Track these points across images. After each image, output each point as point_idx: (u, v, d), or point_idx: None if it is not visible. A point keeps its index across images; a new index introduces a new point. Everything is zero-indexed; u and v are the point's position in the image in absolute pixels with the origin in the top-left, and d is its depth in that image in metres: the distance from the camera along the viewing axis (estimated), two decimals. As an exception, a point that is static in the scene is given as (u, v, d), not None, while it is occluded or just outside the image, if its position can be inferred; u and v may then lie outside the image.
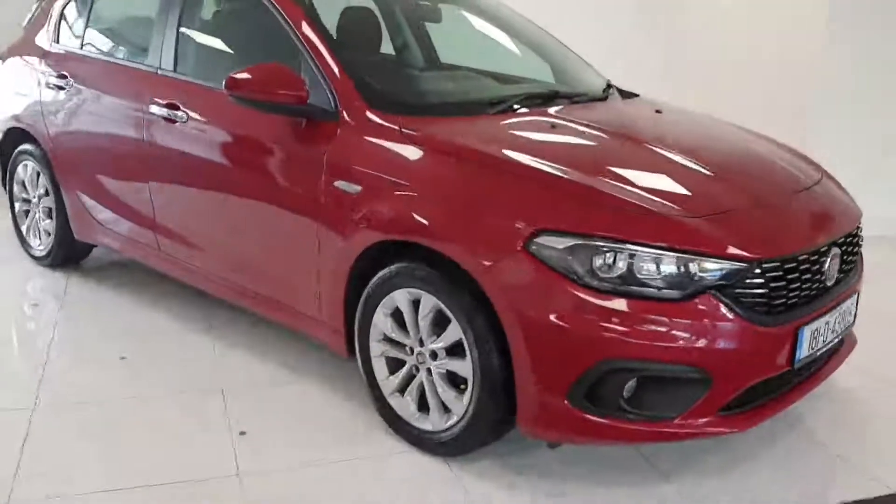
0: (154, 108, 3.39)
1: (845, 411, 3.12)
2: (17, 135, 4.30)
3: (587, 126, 2.95)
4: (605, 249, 2.30)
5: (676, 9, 6.27)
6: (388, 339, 2.74)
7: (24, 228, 4.45)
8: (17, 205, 4.47)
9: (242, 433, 2.81)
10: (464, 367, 2.53)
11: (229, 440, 2.77)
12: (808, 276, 2.52)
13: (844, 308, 2.72)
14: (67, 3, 4.17)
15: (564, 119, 2.99)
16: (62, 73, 3.95)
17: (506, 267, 2.36)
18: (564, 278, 2.31)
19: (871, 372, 3.35)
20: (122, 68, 3.72)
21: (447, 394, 2.61)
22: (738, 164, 2.90)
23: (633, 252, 2.30)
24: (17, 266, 4.39)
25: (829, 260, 2.60)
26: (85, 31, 4.03)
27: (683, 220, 2.38)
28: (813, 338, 2.54)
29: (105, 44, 4.01)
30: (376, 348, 2.77)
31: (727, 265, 2.33)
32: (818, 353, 2.62)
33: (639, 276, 2.30)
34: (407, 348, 2.70)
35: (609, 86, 3.59)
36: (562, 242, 2.31)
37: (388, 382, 2.77)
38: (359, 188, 2.70)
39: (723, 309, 2.32)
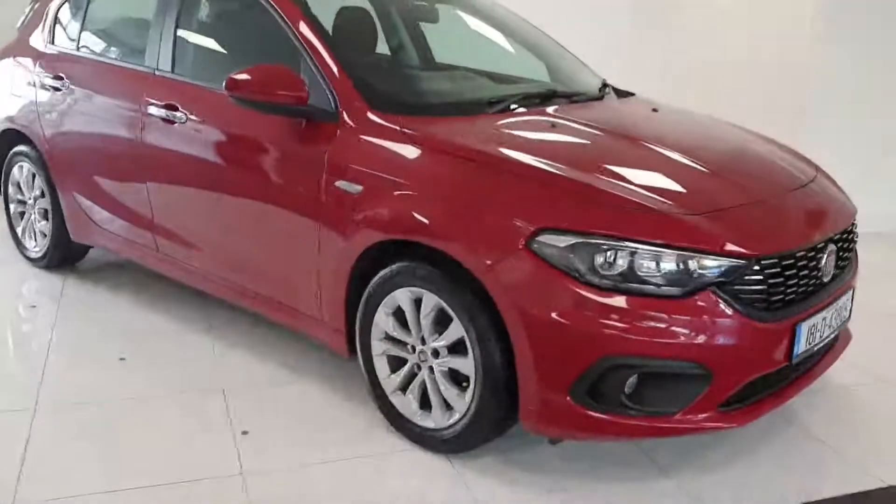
0: (152, 109, 3.39)
1: (841, 407, 3.15)
2: (12, 136, 4.28)
3: (586, 125, 2.97)
4: (606, 247, 2.32)
5: (674, 8, 6.29)
6: (390, 338, 2.76)
7: (19, 230, 4.43)
8: (11, 206, 4.46)
9: (245, 433, 2.82)
10: (466, 365, 2.55)
11: (231, 440, 2.78)
12: (806, 272, 2.56)
13: (840, 304, 2.76)
14: (62, 5, 4.17)
15: (563, 118, 3.02)
16: (58, 75, 3.94)
17: (508, 265, 2.38)
18: (566, 276, 2.33)
19: (866, 368, 3.39)
20: (118, 69, 3.71)
21: (449, 391, 2.62)
22: (734, 162, 2.94)
23: (634, 250, 2.32)
24: (12, 268, 4.38)
25: (825, 256, 2.64)
26: (81, 33, 4.02)
27: (683, 218, 2.41)
28: (810, 333, 2.57)
29: (101, 45, 4.01)
30: (378, 347, 2.79)
31: (726, 262, 2.36)
32: (815, 349, 2.65)
33: (639, 273, 2.32)
34: (409, 347, 2.71)
35: (605, 85, 3.62)
36: (563, 241, 2.34)
37: (390, 381, 2.78)
38: (360, 188, 2.71)
39: (722, 305, 2.35)
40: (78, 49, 4.00)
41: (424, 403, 2.72)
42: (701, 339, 2.34)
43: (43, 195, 4.19)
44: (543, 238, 2.35)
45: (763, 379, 2.51)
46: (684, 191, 2.58)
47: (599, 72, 3.81)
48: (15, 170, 4.35)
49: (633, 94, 3.64)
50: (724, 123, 3.40)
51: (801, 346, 2.54)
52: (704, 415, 2.42)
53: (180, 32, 3.45)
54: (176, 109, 3.30)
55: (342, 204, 2.76)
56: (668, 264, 2.33)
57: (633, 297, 2.32)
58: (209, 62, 3.49)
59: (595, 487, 2.58)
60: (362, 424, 2.89)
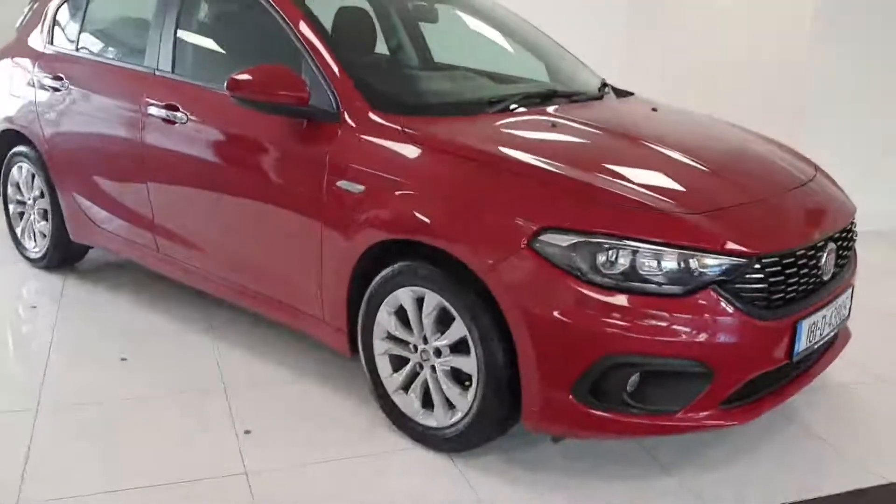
0: (153, 110, 3.39)
1: (841, 405, 3.17)
2: (11, 137, 4.28)
3: (587, 125, 2.98)
4: (607, 246, 2.33)
5: (673, 8, 6.30)
6: (392, 337, 2.77)
7: (18, 230, 4.43)
8: (11, 207, 4.46)
9: (247, 432, 2.82)
10: (468, 364, 2.56)
11: (234, 439, 2.78)
12: (806, 270, 2.57)
13: (840, 302, 2.77)
14: (61, 5, 4.16)
15: (563, 118, 3.03)
16: (57, 75, 3.94)
17: (510, 265, 2.39)
18: (568, 275, 2.34)
19: (866, 367, 3.40)
20: (118, 69, 3.71)
21: (452, 390, 2.63)
22: (734, 161, 2.95)
23: (636, 249, 2.33)
24: (12, 268, 4.38)
25: (825, 255, 2.65)
26: (80, 33, 4.03)
27: (685, 217, 2.42)
28: (810, 331, 2.59)
29: (101, 45, 4.01)
30: (380, 346, 2.79)
31: (727, 261, 2.37)
32: (815, 347, 2.67)
33: (641, 272, 2.33)
34: (411, 346, 2.72)
35: (604, 85, 3.63)
36: (565, 240, 2.35)
37: (392, 380, 2.79)
38: (362, 188, 2.72)
39: (723, 304, 2.36)
40: (77, 49, 4.01)
41: (426, 402, 2.73)
42: (702, 337, 2.35)
43: (42, 195, 4.19)
44: (545, 237, 2.36)
45: (764, 377, 2.53)
46: (685, 190, 2.59)
47: (598, 71, 3.83)
48: (14, 170, 4.35)
49: (632, 94, 3.65)
50: (724, 123, 3.42)
51: (802, 344, 2.55)
52: (706, 413, 2.44)
53: (181, 32, 3.46)
54: (176, 110, 3.30)
55: (344, 204, 2.76)
56: (670, 263, 2.34)
57: (635, 295, 2.33)
58: (210, 62, 3.50)
59: (597, 486, 2.59)
60: (364, 424, 2.90)
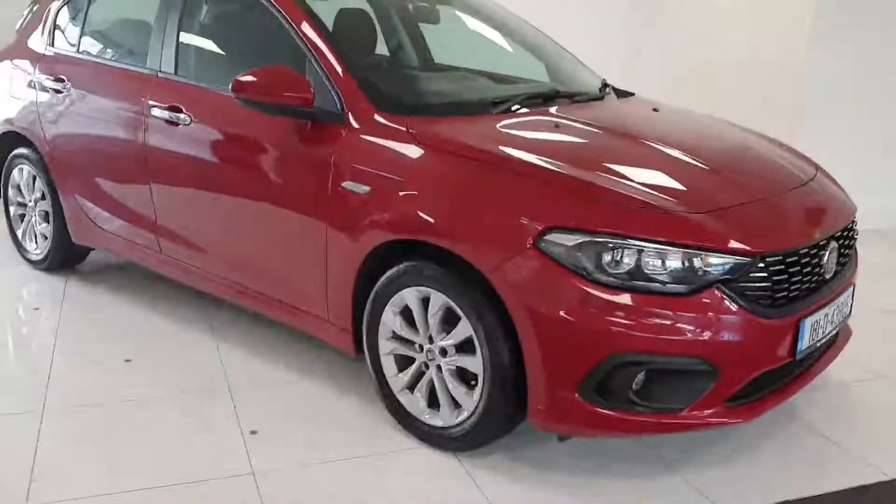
0: (156, 111, 3.40)
1: (842, 403, 3.19)
2: (12, 138, 4.28)
3: (590, 125, 3.00)
4: (613, 246, 2.35)
5: (673, 8, 6.32)
6: (398, 337, 2.78)
7: (19, 232, 4.43)
8: (11, 209, 4.45)
9: (253, 432, 2.83)
10: (474, 364, 2.57)
11: (240, 440, 2.79)
12: (809, 269, 2.59)
13: (841, 300, 2.79)
14: (62, 7, 4.17)
15: (566, 118, 3.04)
16: (59, 77, 3.94)
17: (516, 264, 2.40)
18: (574, 274, 2.36)
19: (866, 365, 3.43)
20: (121, 71, 3.72)
21: (457, 390, 2.65)
22: (737, 160, 2.97)
23: (641, 248, 2.35)
24: (13, 270, 4.38)
25: (827, 253, 2.68)
26: (81, 35, 4.03)
27: (689, 217, 2.44)
28: (813, 329, 2.61)
29: (103, 47, 4.02)
30: (385, 346, 2.81)
31: (732, 260, 2.39)
32: (818, 345, 2.69)
33: (646, 271, 2.35)
34: (416, 346, 2.74)
35: (605, 85, 3.65)
36: (571, 239, 2.36)
37: (398, 380, 2.80)
38: (367, 188, 2.73)
39: (728, 302, 2.38)
40: (79, 51, 4.01)
41: (432, 402, 2.75)
42: (707, 335, 2.37)
43: (44, 197, 4.19)
44: (551, 237, 2.38)
45: (767, 375, 2.54)
46: (689, 189, 2.61)
47: (599, 72, 3.84)
48: (15, 172, 4.35)
49: (632, 94, 3.67)
50: (725, 123, 3.44)
51: (805, 342, 2.57)
52: (711, 410, 2.45)
53: (183, 34, 3.46)
54: (180, 111, 3.31)
55: (349, 204, 2.78)
56: (675, 262, 2.36)
57: (640, 294, 2.35)
58: (213, 64, 3.51)
59: (603, 484, 2.60)
60: (370, 423, 2.91)
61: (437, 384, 2.70)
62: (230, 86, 2.86)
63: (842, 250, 2.81)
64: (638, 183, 2.54)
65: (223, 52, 3.55)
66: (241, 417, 2.93)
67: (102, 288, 4.16)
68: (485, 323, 2.50)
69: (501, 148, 2.70)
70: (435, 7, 4.02)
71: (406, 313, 2.73)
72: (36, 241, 4.34)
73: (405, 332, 2.75)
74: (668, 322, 2.35)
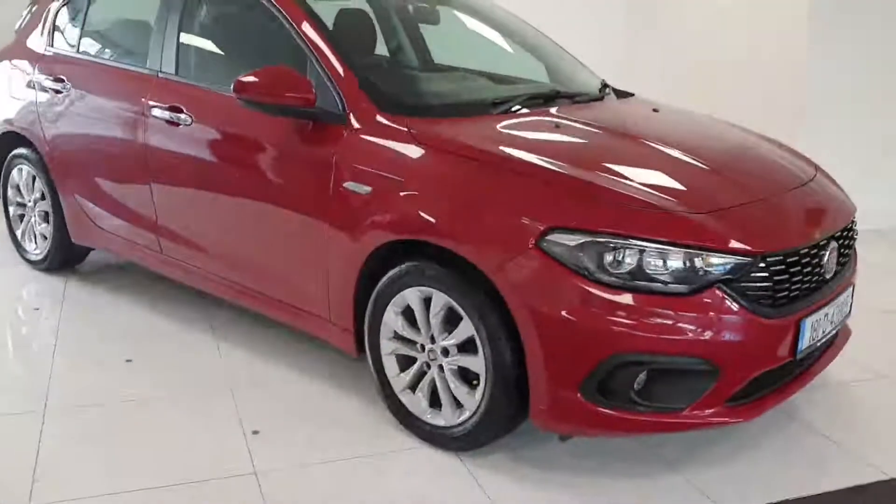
0: (157, 111, 3.40)
1: (842, 403, 3.20)
2: (11, 138, 4.28)
3: (591, 125, 3.01)
4: (615, 246, 2.36)
5: (673, 8, 6.32)
6: (399, 337, 2.78)
7: (18, 233, 4.43)
8: (11, 209, 4.45)
9: (255, 432, 2.84)
10: (476, 363, 2.58)
11: (242, 439, 2.80)
12: (809, 269, 2.60)
13: (841, 300, 2.80)
14: (62, 7, 4.17)
15: (566, 119, 3.05)
16: (59, 77, 3.94)
17: (518, 264, 2.41)
18: (575, 274, 2.36)
19: (866, 365, 3.44)
20: (121, 71, 3.72)
21: (459, 390, 2.65)
22: (737, 161, 2.99)
23: (643, 248, 2.36)
24: (12, 270, 4.38)
25: (827, 253, 2.69)
26: (81, 35, 4.03)
27: (691, 217, 2.45)
28: (813, 329, 2.62)
29: (103, 47, 4.02)
30: (387, 346, 2.81)
31: (733, 259, 2.40)
32: (818, 344, 2.70)
33: (648, 271, 2.36)
34: (418, 345, 2.74)
35: (605, 85, 3.66)
36: (573, 239, 2.37)
37: (399, 379, 2.81)
38: (368, 189, 2.74)
39: (729, 302, 2.39)
40: (78, 51, 4.01)
41: (434, 402, 2.75)
42: (708, 335, 2.38)
43: (43, 197, 4.20)
44: (553, 237, 2.38)
45: (767, 374, 2.55)
46: (690, 190, 2.62)
47: (598, 72, 3.85)
48: (14, 172, 4.35)
49: (632, 95, 3.68)
50: (725, 123, 3.45)
51: (805, 342, 2.58)
52: (712, 410, 2.46)
53: (184, 34, 3.47)
54: (181, 111, 3.31)
55: (351, 205, 2.78)
56: (677, 262, 2.37)
57: (642, 294, 2.36)
58: (213, 64, 3.52)
59: (605, 483, 2.61)
60: (372, 423, 2.91)
61: (438, 384, 2.71)
62: (232, 86, 2.86)
63: (842, 250, 2.82)
64: (639, 183, 2.55)
65: (224, 53, 3.55)
66: (243, 417, 2.94)
67: (102, 288, 4.17)
68: (487, 323, 2.51)
69: (503, 148, 2.71)
70: (435, 8, 4.02)
71: (408, 313, 2.74)
72: (35, 242, 4.34)
73: (407, 332, 2.76)
74: (670, 322, 2.36)
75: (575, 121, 3.03)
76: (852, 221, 2.95)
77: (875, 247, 3.61)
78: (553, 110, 3.16)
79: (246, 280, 3.30)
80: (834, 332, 2.82)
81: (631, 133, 3.04)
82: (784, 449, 2.83)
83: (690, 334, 2.37)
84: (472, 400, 2.61)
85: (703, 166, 2.78)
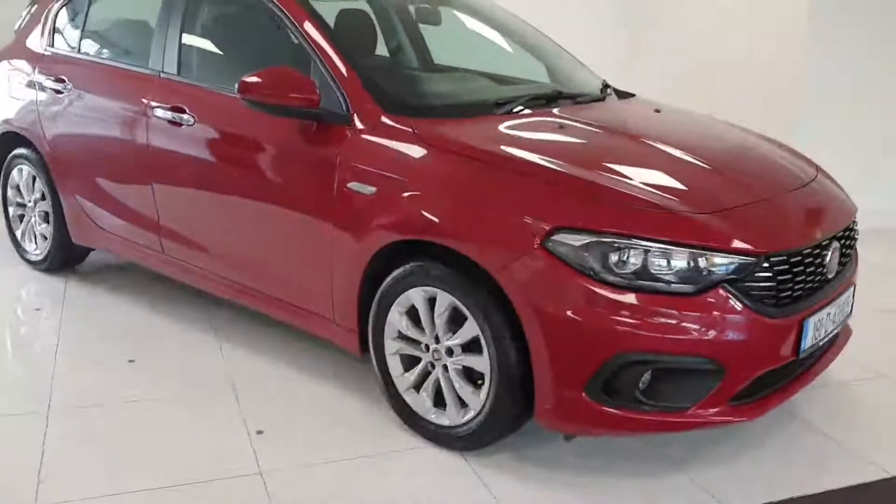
0: (159, 112, 3.40)
1: (843, 402, 3.22)
2: (11, 139, 4.27)
3: (594, 126, 3.03)
4: (620, 246, 2.37)
5: (673, 8, 6.33)
6: (404, 337, 2.79)
7: (18, 233, 4.42)
8: (10, 209, 4.44)
9: (260, 432, 2.84)
10: (480, 363, 2.59)
11: (247, 439, 2.80)
12: (812, 269, 2.62)
13: (843, 300, 2.82)
14: (62, 7, 4.16)
15: (569, 119, 3.06)
16: (59, 77, 3.93)
17: (523, 264, 2.42)
18: (581, 274, 2.37)
19: (866, 364, 3.45)
20: (122, 72, 3.71)
21: (464, 389, 2.66)
22: (740, 161, 3.00)
23: (648, 248, 2.37)
24: (12, 271, 4.37)
25: (830, 253, 2.70)
26: (82, 35, 4.02)
27: (695, 217, 2.46)
28: (816, 328, 2.63)
29: (104, 47, 4.01)
30: (391, 346, 2.82)
31: (737, 259, 2.41)
32: (820, 343, 2.71)
33: (653, 271, 2.37)
34: (422, 345, 2.75)
35: (606, 86, 3.66)
36: (578, 239, 2.38)
37: (404, 379, 2.81)
38: (373, 189, 2.74)
39: (733, 302, 2.40)
40: (79, 51, 4.01)
41: (438, 401, 2.76)
42: (713, 334, 2.39)
43: (44, 198, 4.19)
44: (558, 237, 2.39)
45: (770, 374, 2.56)
46: (694, 190, 2.63)
47: (598, 72, 3.85)
48: (14, 172, 4.34)
49: (633, 95, 3.69)
50: (726, 124, 3.46)
51: (808, 341, 2.60)
52: (716, 409, 2.47)
53: (186, 34, 3.47)
54: (183, 112, 3.31)
55: (355, 205, 2.78)
56: (681, 262, 2.38)
57: (647, 294, 2.37)
58: (216, 64, 3.52)
59: (610, 483, 2.62)
60: (376, 423, 2.92)
61: (443, 384, 2.71)
62: (236, 87, 2.86)
63: (843, 250, 2.84)
64: (644, 184, 2.56)
65: (227, 53, 3.55)
66: (246, 417, 2.94)
67: (102, 288, 4.16)
68: (491, 323, 2.51)
69: (507, 149, 2.72)
70: (437, 8, 4.03)
71: (412, 313, 2.74)
72: (35, 242, 4.33)
73: (411, 332, 2.76)
74: (674, 321, 2.37)
75: (578, 121, 3.04)
76: (853, 221, 2.97)
77: (875, 247, 3.62)
78: (556, 111, 3.16)
79: (249, 280, 3.30)
80: (835, 331, 2.83)
81: (634, 134, 3.04)
82: (786, 448, 2.85)
83: (695, 334, 2.38)
84: (477, 399, 2.62)
85: (707, 167, 2.79)
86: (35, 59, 4.15)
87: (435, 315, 2.67)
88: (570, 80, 3.67)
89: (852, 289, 2.93)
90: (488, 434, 2.65)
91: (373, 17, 3.67)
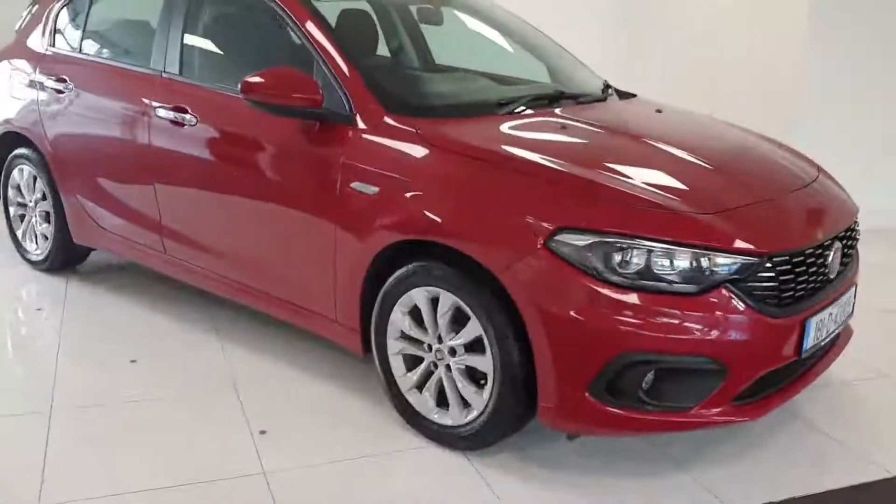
0: (161, 112, 3.40)
1: (844, 402, 3.22)
2: (12, 139, 4.27)
3: (596, 126, 3.03)
4: (623, 246, 2.37)
5: (673, 8, 6.33)
6: (406, 337, 2.79)
7: (19, 233, 4.42)
8: (11, 209, 4.44)
9: (263, 432, 2.84)
10: (483, 363, 2.59)
11: (250, 439, 2.80)
12: (814, 269, 2.62)
13: (844, 300, 2.82)
14: (63, 7, 4.16)
15: (572, 119, 3.06)
16: (61, 77, 3.93)
17: (527, 264, 2.42)
18: (584, 274, 2.38)
19: (868, 364, 3.46)
20: (124, 71, 3.71)
21: (467, 389, 2.66)
22: (743, 162, 3.01)
23: (651, 248, 2.37)
24: (12, 271, 4.37)
25: (832, 254, 2.71)
26: (83, 35, 4.02)
27: (699, 217, 2.47)
28: (818, 328, 2.64)
29: (105, 47, 4.01)
30: (394, 346, 2.82)
31: (740, 260, 2.41)
32: (822, 343, 2.72)
33: (656, 271, 2.37)
34: (425, 345, 2.75)
35: (607, 86, 3.67)
36: (582, 240, 2.38)
37: (406, 379, 2.82)
38: (376, 189, 2.74)
39: (736, 302, 2.40)
40: (80, 51, 4.00)
41: (441, 401, 2.76)
42: (716, 334, 2.40)
43: (44, 198, 4.19)
44: (562, 237, 2.40)
45: (773, 374, 2.57)
46: (697, 190, 2.63)
47: (598, 72, 3.85)
48: (15, 172, 4.34)
49: (634, 96, 3.69)
50: (727, 124, 3.47)
51: (810, 341, 2.60)
52: (719, 409, 2.48)
53: (188, 34, 3.46)
54: (185, 112, 3.31)
55: (358, 205, 2.79)
56: (685, 262, 2.38)
57: (650, 294, 2.37)
58: (218, 64, 3.52)
59: (612, 483, 2.62)
60: (378, 422, 2.92)
61: (446, 383, 2.72)
62: (239, 87, 2.86)
63: (845, 250, 2.84)
64: (647, 184, 2.57)
65: (229, 53, 3.55)
66: (249, 417, 2.94)
67: (103, 288, 4.16)
68: (495, 322, 2.52)
69: (511, 149, 2.72)
70: (439, 9, 4.03)
71: (415, 313, 2.75)
72: (36, 242, 4.33)
73: (414, 332, 2.76)
74: (677, 321, 2.37)
75: (581, 122, 3.05)
76: (855, 222, 2.97)
77: (875, 247, 3.63)
78: (558, 111, 3.17)
79: (251, 280, 3.31)
80: (837, 331, 2.84)
81: (637, 134, 3.05)
82: (788, 447, 2.85)
83: (698, 334, 2.39)
84: (480, 399, 2.62)
85: (710, 167, 2.80)
86: (36, 58, 4.15)
87: (438, 315, 2.67)
88: (572, 81, 3.68)
89: (854, 289, 2.93)
90: (491, 434, 2.66)
91: (374, 16, 3.67)
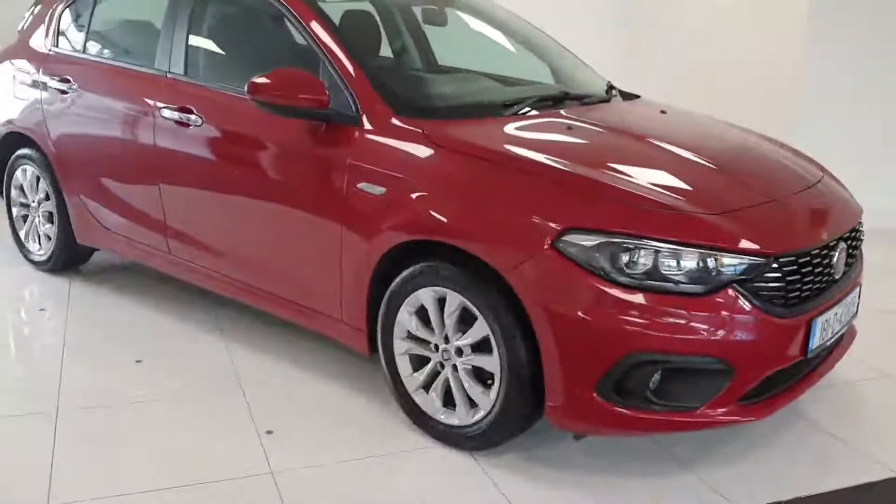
0: (166, 112, 3.40)
1: (848, 402, 3.23)
2: (15, 139, 4.27)
3: (602, 127, 3.04)
4: (631, 246, 2.38)
5: (673, 8, 6.34)
6: (413, 337, 2.80)
7: (22, 233, 4.41)
8: (14, 210, 4.44)
9: (269, 432, 2.85)
10: (490, 363, 2.60)
11: (257, 439, 2.81)
12: (820, 269, 2.63)
13: (849, 300, 2.84)
14: (67, 8, 4.15)
15: (577, 120, 3.07)
16: (65, 77, 3.93)
17: (534, 265, 2.43)
18: (591, 275, 2.38)
19: (871, 365, 3.47)
20: (128, 72, 3.71)
21: (474, 389, 2.67)
22: (748, 163, 3.02)
23: (658, 249, 2.38)
24: (16, 271, 4.37)
25: (837, 254, 2.72)
26: (87, 35, 4.02)
27: (706, 218, 2.48)
28: (823, 328, 2.65)
29: (109, 47, 4.01)
30: (400, 346, 2.82)
31: (747, 260, 2.43)
32: (827, 343, 2.73)
33: (663, 271, 2.38)
34: (432, 345, 2.76)
35: (611, 87, 3.68)
36: (589, 240, 2.39)
37: (413, 379, 2.82)
38: (382, 190, 2.75)
39: (743, 302, 2.41)
40: (84, 51, 4.00)
41: (448, 401, 2.77)
42: (722, 334, 2.40)
43: (48, 198, 4.19)
44: (569, 237, 2.40)
45: (778, 374, 2.58)
46: (704, 191, 2.64)
47: (598, 72, 3.86)
48: (18, 173, 4.33)
49: (638, 97, 3.70)
50: (731, 126, 3.48)
51: (816, 341, 2.61)
52: (725, 409, 2.49)
53: (193, 35, 3.47)
54: (191, 112, 3.31)
55: (365, 206, 2.79)
56: (692, 263, 2.39)
57: (658, 294, 2.38)
58: (223, 65, 3.52)
59: (619, 483, 2.63)
60: (385, 423, 2.93)
61: (452, 383, 2.72)
62: (245, 87, 2.87)
63: (850, 251, 2.85)
64: (654, 185, 2.58)
65: (234, 54, 3.55)
66: (256, 417, 2.95)
67: (107, 288, 4.16)
68: (502, 322, 2.53)
69: (517, 149, 2.73)
70: (442, 10, 4.03)
71: (421, 313, 2.75)
72: (39, 242, 4.33)
73: (420, 332, 2.77)
74: (684, 322, 2.38)
75: (586, 122, 3.06)
76: (859, 222, 2.99)
77: (875, 247, 3.63)
78: (563, 112, 3.18)
79: (256, 280, 3.31)
80: (842, 331, 2.85)
81: (643, 135, 3.05)
82: (792, 447, 2.86)
83: (705, 334, 2.39)
84: (487, 399, 2.63)
85: (716, 168, 2.81)
86: (39, 59, 4.15)
87: (445, 315, 2.68)
88: (575, 81, 3.68)
89: (858, 289, 2.95)
90: (498, 434, 2.66)
91: (377, 17, 3.67)
